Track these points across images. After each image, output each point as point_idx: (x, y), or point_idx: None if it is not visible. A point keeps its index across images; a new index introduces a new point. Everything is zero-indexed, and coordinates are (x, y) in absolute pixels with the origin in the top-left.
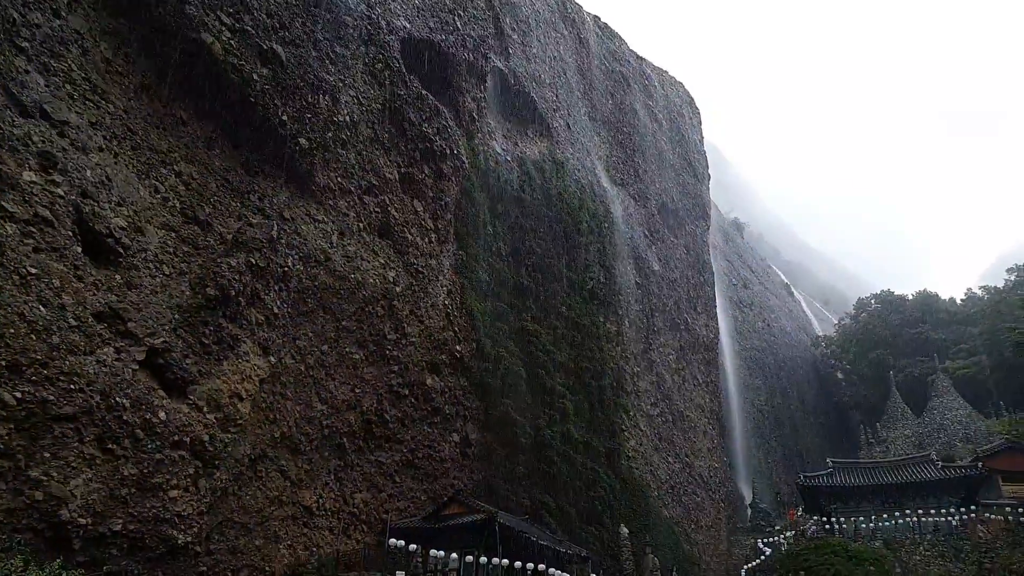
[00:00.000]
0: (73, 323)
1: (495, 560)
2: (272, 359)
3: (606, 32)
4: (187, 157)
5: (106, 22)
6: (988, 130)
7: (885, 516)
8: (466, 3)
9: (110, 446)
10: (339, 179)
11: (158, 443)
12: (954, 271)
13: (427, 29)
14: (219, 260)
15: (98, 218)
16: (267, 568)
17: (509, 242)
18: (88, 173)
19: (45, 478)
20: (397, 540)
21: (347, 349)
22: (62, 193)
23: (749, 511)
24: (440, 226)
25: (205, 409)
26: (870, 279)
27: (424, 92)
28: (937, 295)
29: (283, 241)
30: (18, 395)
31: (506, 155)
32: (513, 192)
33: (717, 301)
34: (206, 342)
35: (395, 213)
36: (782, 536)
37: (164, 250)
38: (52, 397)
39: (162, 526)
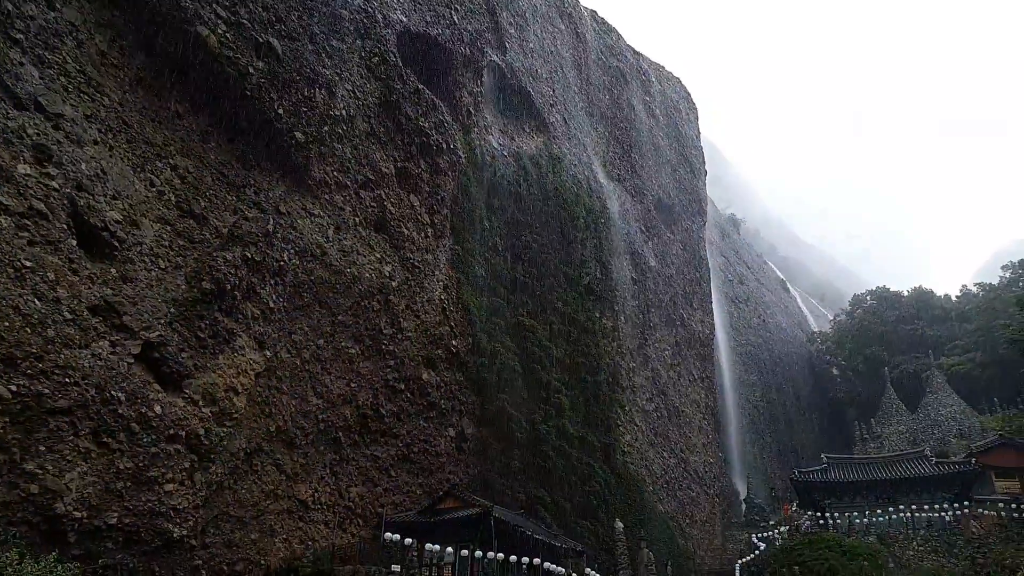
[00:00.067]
0: (68, 316)
1: (490, 554)
2: (268, 353)
3: (603, 27)
4: (183, 150)
5: (101, 14)
6: (984, 130)
7: (879, 511)
8: None
9: (105, 440)
10: (335, 173)
11: (153, 437)
12: (950, 268)
13: (423, 23)
14: (215, 254)
15: (93, 211)
16: (262, 562)
17: (505, 237)
18: (83, 166)
19: (40, 471)
20: (392, 534)
21: (343, 344)
22: (57, 186)
23: (744, 506)
24: (436, 221)
25: (201, 403)
26: (866, 275)
27: (420, 86)
28: (932, 292)
29: (279, 235)
30: (13, 388)
31: (503, 150)
32: (509, 187)
33: (713, 297)
34: (201, 336)
35: (391, 208)
36: (776, 531)
37: (159, 244)
38: (47, 391)
39: (157, 520)
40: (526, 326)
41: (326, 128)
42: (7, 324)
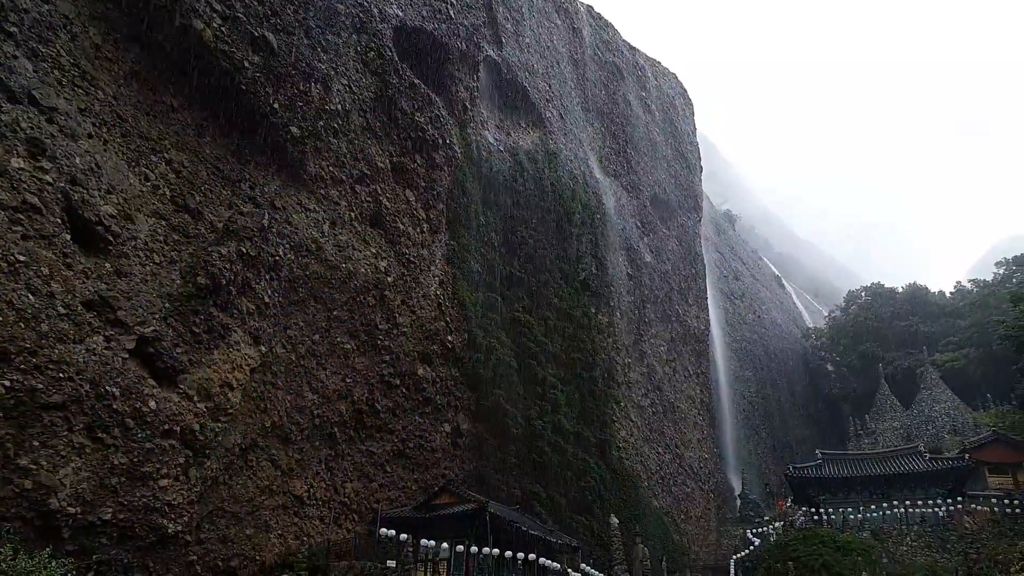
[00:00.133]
0: (62, 311)
1: (486, 550)
2: (263, 348)
3: (599, 22)
4: (177, 145)
5: (95, 7)
6: (979, 128)
7: (873, 507)
8: None
9: (100, 435)
10: (331, 168)
11: (148, 432)
12: (944, 264)
13: (420, 18)
14: (210, 249)
15: (87, 206)
16: (257, 557)
17: (501, 232)
18: (77, 160)
19: (34, 467)
20: (388, 530)
21: (338, 339)
22: (51, 180)
23: (738, 502)
24: (432, 216)
25: (195, 398)
26: (861, 272)
27: (416, 81)
28: (927, 288)
29: (274, 230)
30: (6, 383)
31: (499, 145)
32: (505, 182)
33: (708, 293)
34: (196, 331)
35: (387, 203)
36: (771, 527)
37: (154, 238)
38: (41, 386)
39: (152, 515)
40: (522, 322)
41: (321, 123)
42: (0, 319)
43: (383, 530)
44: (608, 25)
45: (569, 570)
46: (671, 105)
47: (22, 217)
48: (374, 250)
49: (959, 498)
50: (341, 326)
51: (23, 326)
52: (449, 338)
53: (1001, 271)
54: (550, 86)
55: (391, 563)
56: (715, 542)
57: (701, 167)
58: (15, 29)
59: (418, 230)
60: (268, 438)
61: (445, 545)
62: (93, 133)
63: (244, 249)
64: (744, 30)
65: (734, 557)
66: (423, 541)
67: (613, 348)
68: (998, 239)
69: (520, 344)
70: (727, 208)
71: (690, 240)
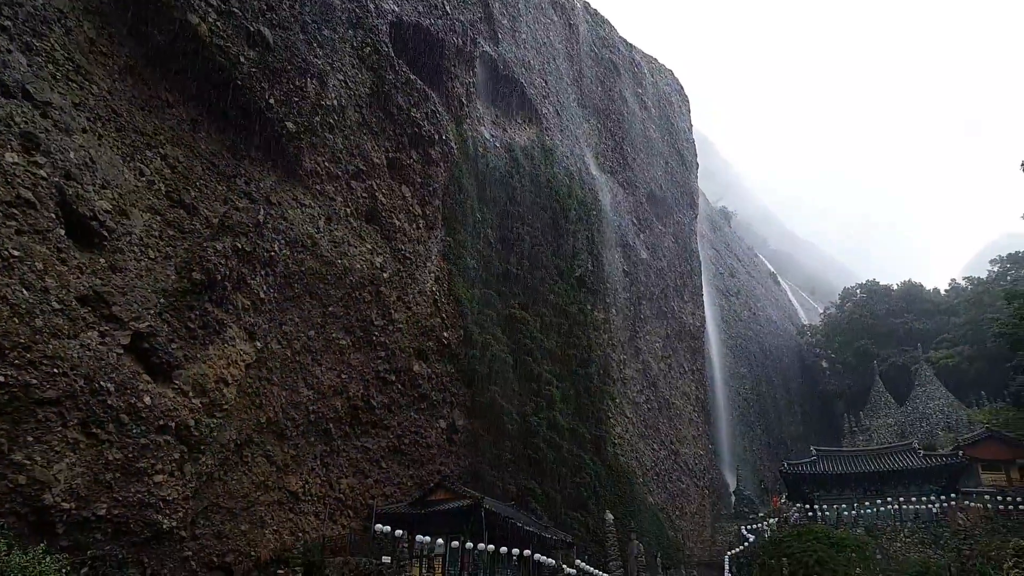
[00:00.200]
0: (56, 306)
1: (481, 545)
2: (258, 344)
3: (596, 19)
4: (173, 140)
5: (89, 1)
6: (975, 128)
7: (867, 504)
8: None
9: (94, 430)
10: (326, 164)
11: (143, 428)
12: (940, 262)
13: (416, 13)
14: (205, 244)
15: (82, 200)
16: (252, 553)
17: (497, 229)
18: (72, 155)
19: (28, 462)
20: (383, 525)
21: (334, 335)
22: (45, 175)
23: (733, 498)
24: (428, 212)
25: (191, 394)
26: (856, 269)
27: (412, 77)
28: (922, 285)
29: (269, 226)
30: (0, 379)
31: (495, 141)
32: (501, 179)
33: (704, 290)
34: (192, 326)
35: (382, 198)
36: (765, 523)
37: (149, 234)
38: (35, 381)
39: (147, 511)
40: (517, 318)
41: (317, 118)
42: None
43: (378, 526)
44: (604, 21)
45: (564, 566)
46: (667, 102)
47: (16, 212)
48: (370, 246)
49: (953, 495)
50: (336, 322)
51: (17, 321)
52: (445, 334)
53: (996, 269)
54: (546, 82)
55: (386, 559)
56: (710, 538)
57: (697, 164)
58: (9, 23)
59: (414, 226)
60: (263, 434)
61: (440, 541)
62: (88, 128)
63: (239, 245)
64: (743, 28)
65: (729, 553)
66: (418, 537)
67: (609, 344)
68: (993, 237)
69: (516, 340)
70: (723, 205)
71: (686, 237)
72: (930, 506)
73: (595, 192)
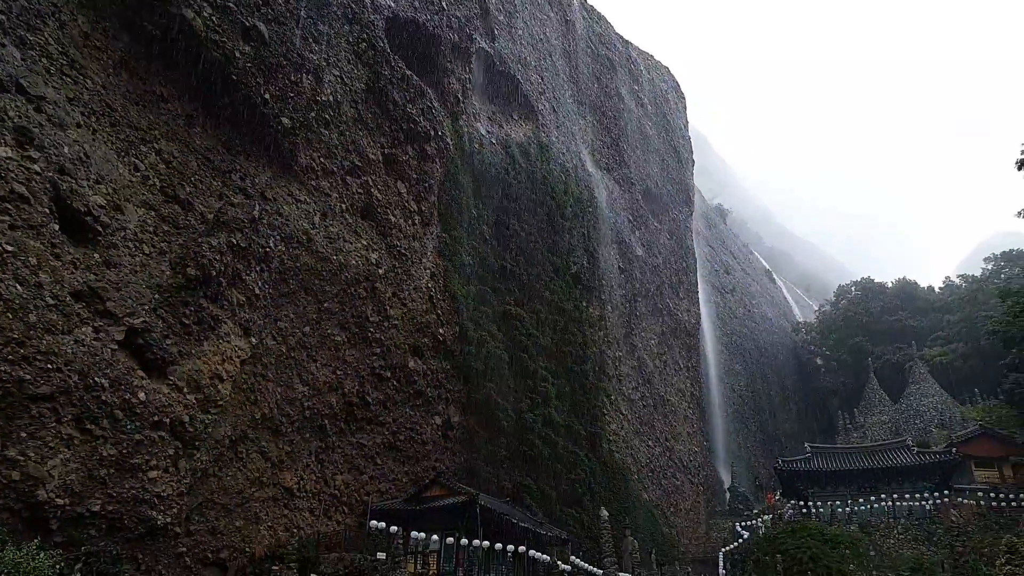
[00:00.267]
0: (50, 302)
1: (476, 542)
2: (253, 340)
3: (592, 15)
4: (167, 135)
5: None
6: (971, 126)
7: (861, 500)
8: None
9: (88, 426)
10: (322, 159)
11: (137, 424)
12: (934, 260)
13: (412, 9)
14: (200, 240)
15: (76, 195)
16: (247, 549)
17: (493, 225)
18: (66, 149)
19: (22, 458)
20: (378, 522)
21: (329, 331)
22: (39, 169)
23: (728, 495)
24: (424, 208)
25: (185, 390)
26: (851, 266)
27: (408, 72)
28: (916, 283)
29: (265, 221)
30: None
31: (491, 137)
32: (497, 175)
33: (699, 287)
34: (186, 322)
35: (378, 194)
36: (760, 520)
37: (144, 229)
38: (29, 376)
39: (141, 507)
40: (513, 315)
41: (313, 114)
42: None
43: (373, 522)
44: (600, 18)
45: (559, 562)
46: (664, 99)
47: (10, 207)
48: (365, 242)
49: (946, 491)
50: (332, 318)
51: (11, 316)
52: (440, 331)
53: (989, 267)
54: (542, 78)
55: (381, 555)
56: (704, 535)
57: (693, 161)
58: (3, 17)
59: (409, 222)
60: (258, 430)
61: (435, 537)
62: (82, 122)
63: (234, 240)
64: (740, 25)
65: (723, 550)
66: (413, 533)
67: (604, 341)
68: (987, 235)
69: (511, 337)
70: (718, 202)
71: (681, 234)
72: (923, 503)
73: (591, 189)
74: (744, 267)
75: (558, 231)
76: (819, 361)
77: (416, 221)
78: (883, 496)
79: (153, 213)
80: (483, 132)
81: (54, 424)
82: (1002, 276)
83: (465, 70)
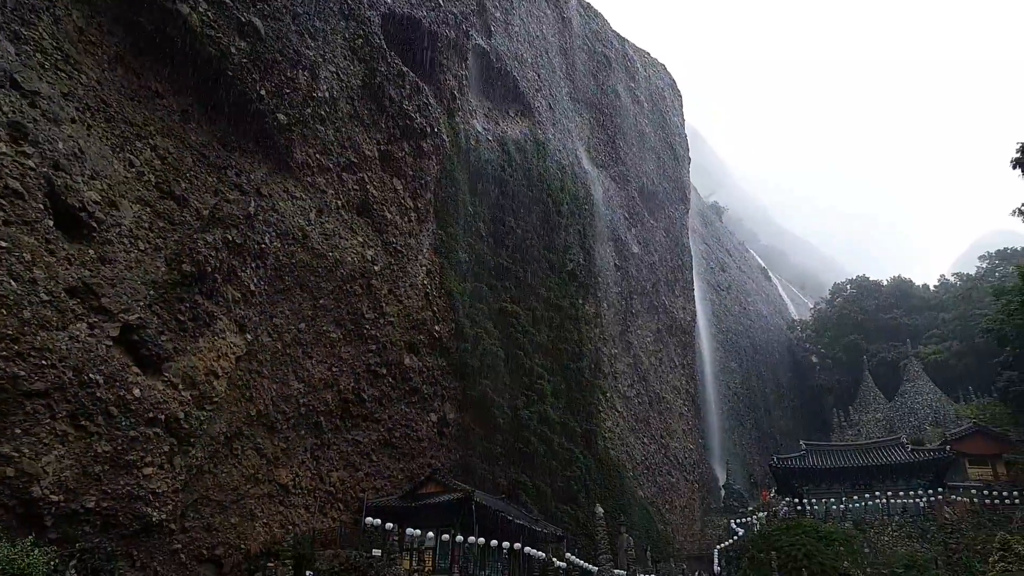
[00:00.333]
0: (45, 298)
1: (471, 539)
2: (248, 337)
3: (589, 12)
4: (163, 131)
5: None
6: (967, 124)
7: (855, 498)
8: None
9: (83, 423)
10: (317, 156)
11: (132, 420)
12: (929, 258)
13: (408, 5)
14: (195, 236)
15: (71, 191)
16: (242, 546)
17: (489, 222)
18: (60, 145)
19: (16, 454)
20: (373, 518)
21: (324, 328)
22: (33, 165)
23: (723, 492)
24: (420, 205)
25: (180, 386)
26: (846, 265)
27: (404, 69)
28: (911, 281)
29: (260, 218)
30: None
31: (487, 134)
32: (494, 172)
33: (695, 284)
34: (182, 319)
35: (374, 191)
36: (755, 517)
37: (139, 225)
38: (23, 372)
39: (136, 503)
40: (509, 312)
41: (309, 110)
42: None
43: (369, 519)
44: (597, 15)
45: (554, 559)
46: (660, 96)
47: (4, 202)
48: (361, 239)
49: (940, 489)
50: (327, 315)
51: (5, 312)
52: (436, 328)
53: (984, 265)
54: (539, 75)
55: (376, 552)
56: (699, 532)
57: (689, 159)
58: None
59: (405, 219)
60: (253, 427)
61: (431, 534)
62: (76, 118)
63: (230, 237)
64: (736, 23)
65: (718, 547)
66: (409, 530)
67: (600, 339)
68: (981, 233)
69: (507, 334)
70: (714, 200)
71: (677, 231)
72: (917, 500)
73: (587, 186)
74: (740, 265)
75: (554, 228)
76: (814, 359)
77: (412, 218)
78: (877, 493)
79: (148, 209)
80: (479, 129)
81: (49, 420)
82: (996, 274)
83: (461, 67)
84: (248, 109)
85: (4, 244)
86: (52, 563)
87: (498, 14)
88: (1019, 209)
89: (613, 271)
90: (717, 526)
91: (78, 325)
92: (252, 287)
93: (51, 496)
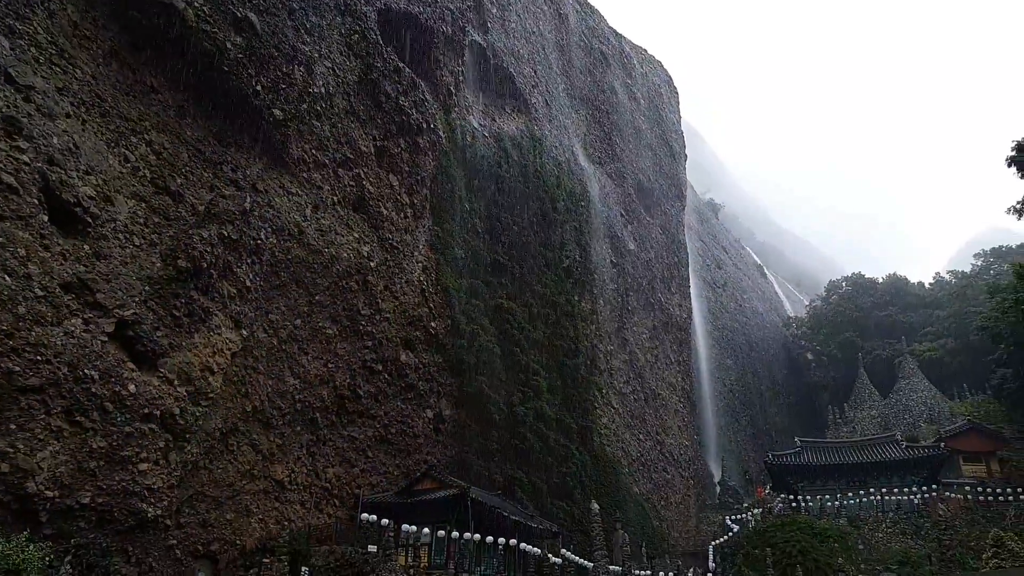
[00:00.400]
0: (40, 293)
1: (467, 535)
2: (244, 332)
3: (585, 8)
4: (158, 126)
5: None
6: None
7: (850, 494)
8: None
9: (78, 418)
10: (313, 151)
11: (128, 416)
12: (929, 258)
13: (405, 1)
14: (191, 231)
15: (65, 186)
16: (238, 542)
17: (485, 219)
18: (55, 140)
19: (11, 450)
20: (369, 515)
21: (320, 324)
22: (28, 160)
23: (718, 488)
24: (416, 201)
25: (176, 382)
26: (842, 262)
27: (401, 65)
28: (906, 279)
29: (256, 213)
30: None
31: (483, 130)
32: (490, 168)
33: (691, 281)
34: (177, 314)
35: (370, 187)
36: (750, 513)
37: (134, 220)
38: (18, 368)
39: (131, 499)
40: (505, 308)
41: (305, 105)
42: None
43: (364, 515)
44: (594, 11)
45: (550, 556)
46: (656, 93)
47: None
48: (357, 235)
49: (934, 486)
50: (323, 311)
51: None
52: (432, 324)
53: (979, 263)
54: (535, 72)
55: (372, 548)
56: (694, 528)
57: (685, 156)
58: None
59: (401, 215)
60: (249, 423)
61: (427, 530)
62: (71, 113)
63: (225, 232)
64: (735, 23)
65: (713, 543)
66: (405, 526)
67: (596, 335)
68: (976, 231)
69: (503, 331)
70: (710, 197)
71: (673, 228)
72: (912, 497)
73: (583, 183)
74: (736, 262)
75: (550, 225)
76: (809, 356)
77: (408, 214)
78: (872, 490)
79: (143, 204)
80: (476, 125)
81: (43, 416)
82: (991, 272)
83: (458, 63)
84: (244, 104)
85: None
86: (47, 559)
87: (495, 10)
88: (1014, 207)
89: (609, 268)
90: (712, 522)
91: (73, 321)
92: (248, 283)
93: (46, 492)
